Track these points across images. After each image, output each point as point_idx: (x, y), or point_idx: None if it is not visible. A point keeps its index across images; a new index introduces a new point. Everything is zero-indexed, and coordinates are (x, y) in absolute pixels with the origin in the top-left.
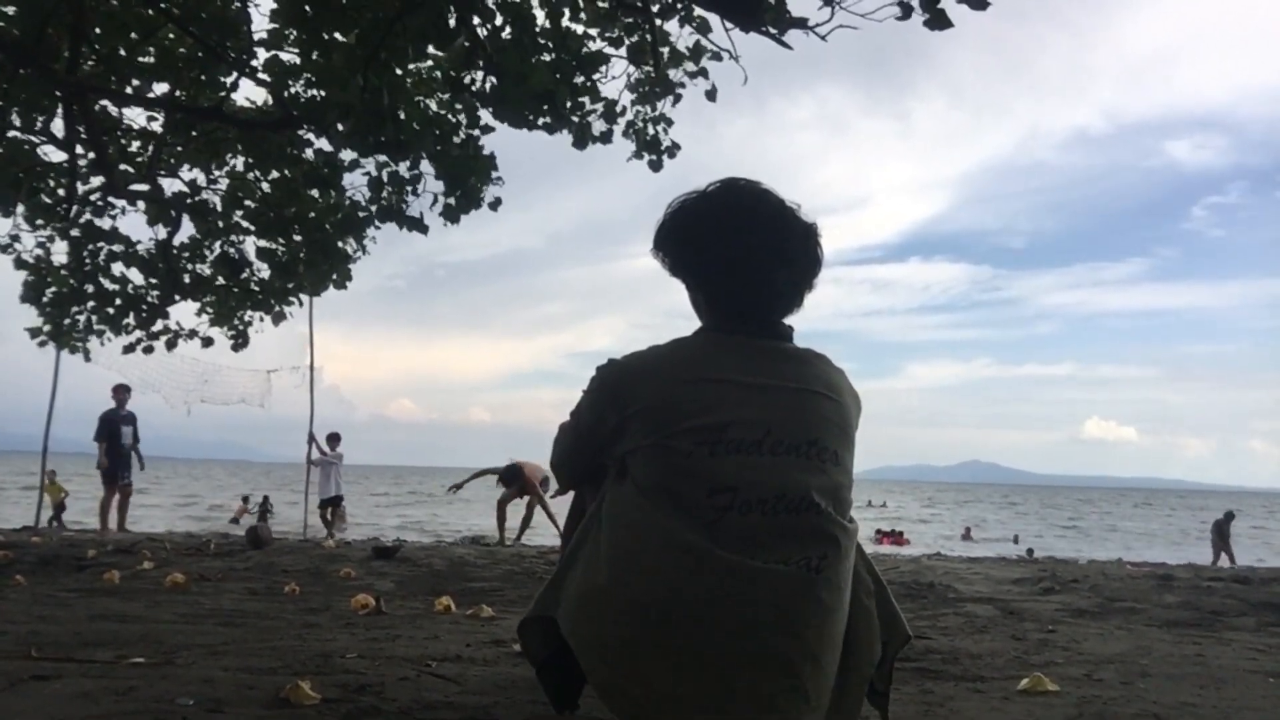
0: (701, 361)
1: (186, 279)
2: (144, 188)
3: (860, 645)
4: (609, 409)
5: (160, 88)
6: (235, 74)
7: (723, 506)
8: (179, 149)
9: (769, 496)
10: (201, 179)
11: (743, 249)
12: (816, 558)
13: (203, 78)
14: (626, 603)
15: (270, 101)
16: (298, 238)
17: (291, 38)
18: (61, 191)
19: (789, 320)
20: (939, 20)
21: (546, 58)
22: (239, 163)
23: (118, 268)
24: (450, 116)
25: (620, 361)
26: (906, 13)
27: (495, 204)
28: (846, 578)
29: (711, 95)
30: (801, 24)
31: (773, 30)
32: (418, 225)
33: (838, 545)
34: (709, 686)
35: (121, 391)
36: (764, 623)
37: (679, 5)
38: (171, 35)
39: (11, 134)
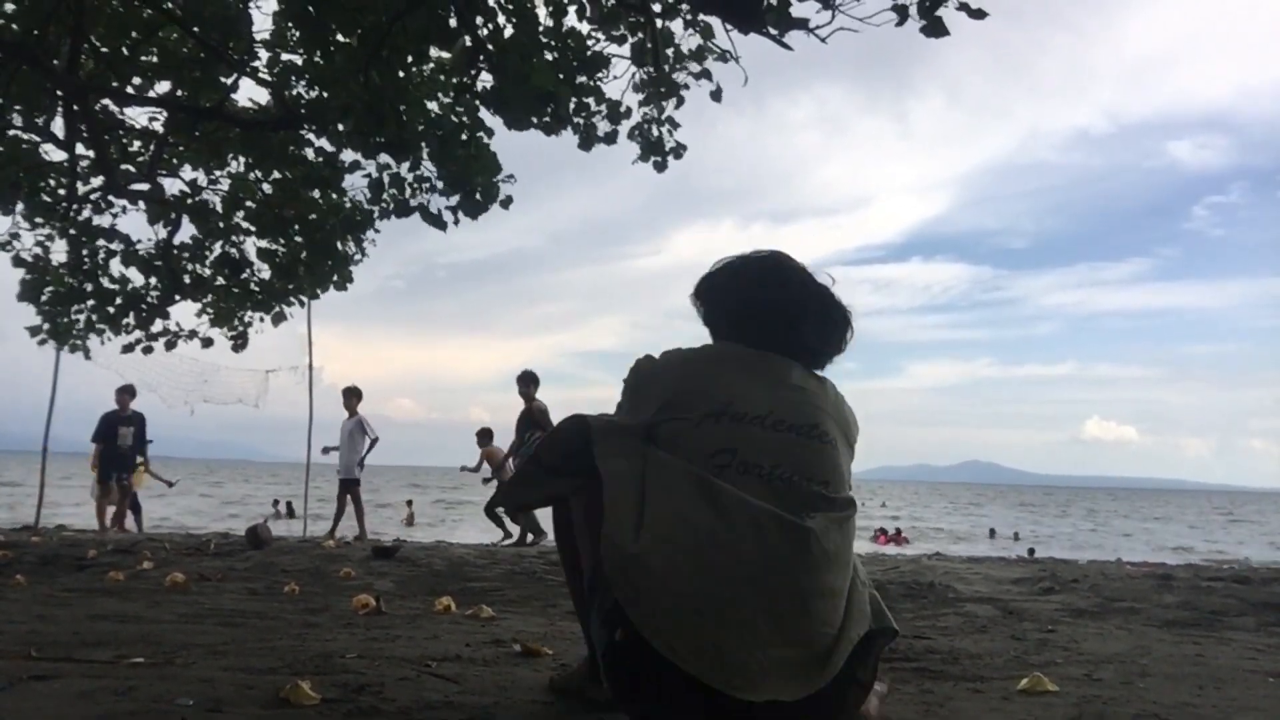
0: (720, 358)
1: (186, 279)
2: (144, 187)
3: (855, 613)
4: (643, 399)
5: (161, 87)
6: (236, 74)
7: (721, 464)
8: (180, 149)
9: (766, 464)
10: (202, 179)
11: (768, 300)
12: (811, 519)
13: (203, 77)
14: (649, 529)
15: (271, 101)
16: (298, 238)
17: (294, 38)
18: (62, 191)
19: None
20: (935, 28)
21: (549, 57)
22: (240, 163)
23: (117, 267)
24: (452, 117)
25: (653, 357)
26: (902, 18)
27: (506, 202)
28: (842, 545)
29: (716, 96)
30: (802, 25)
31: (773, 31)
32: (436, 221)
33: (833, 512)
34: (708, 605)
35: (124, 393)
36: (762, 558)
37: (681, 6)
38: (173, 35)
39: (12, 133)
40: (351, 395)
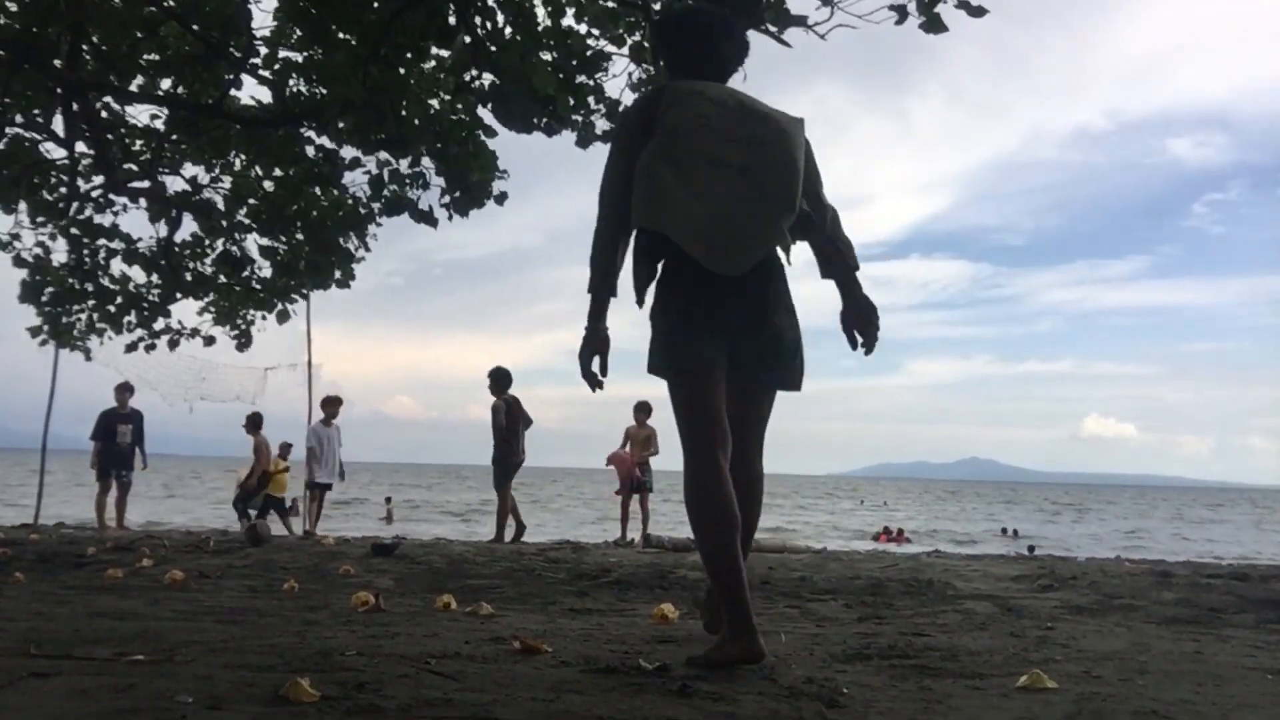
0: (694, 84)
1: (188, 277)
2: (145, 185)
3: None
4: (641, 124)
5: (162, 85)
6: (237, 71)
7: (708, 112)
8: (181, 147)
9: (733, 121)
10: (203, 177)
11: (702, 40)
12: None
13: (204, 75)
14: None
15: (272, 99)
16: (300, 236)
17: (294, 36)
18: (63, 189)
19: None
20: (934, 24)
21: (547, 56)
22: (241, 160)
23: (118, 266)
24: (451, 115)
25: (642, 97)
26: (902, 17)
27: (501, 198)
28: (800, 167)
29: None
30: (801, 22)
31: (772, 29)
32: (427, 219)
33: (789, 143)
34: (731, 216)
35: (123, 391)
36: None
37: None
38: (174, 33)
39: (13, 131)
40: (335, 403)
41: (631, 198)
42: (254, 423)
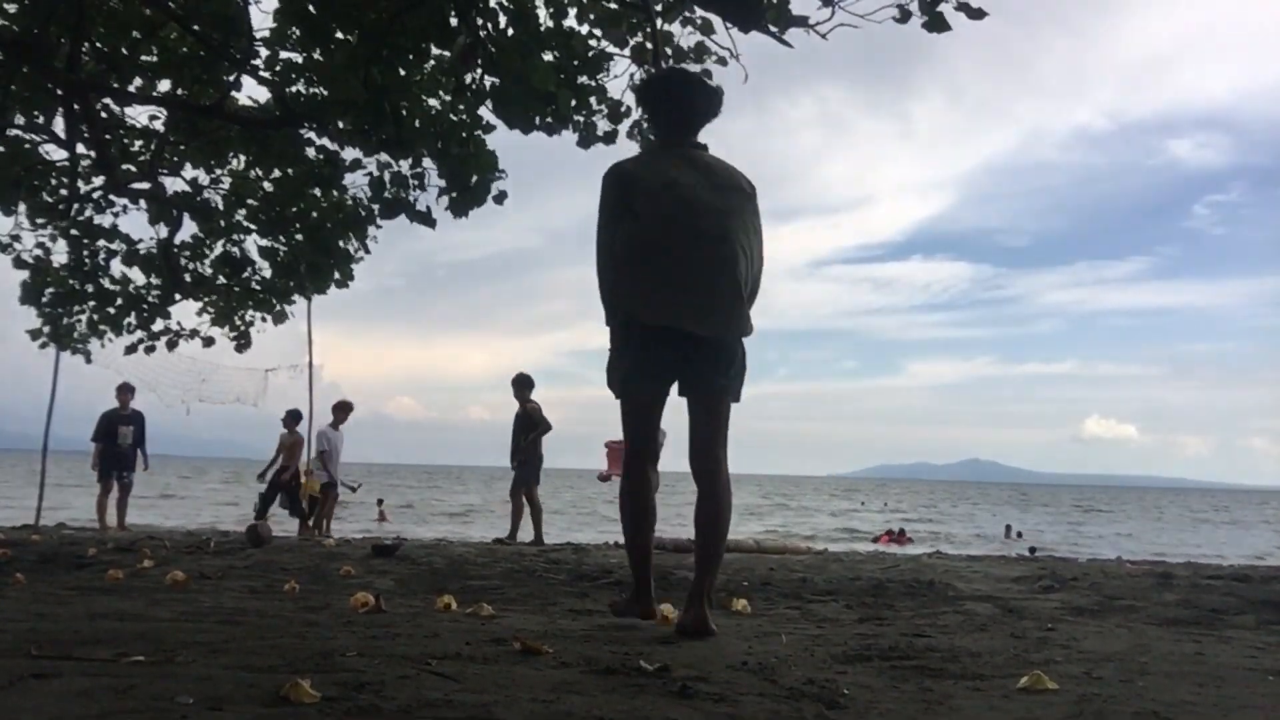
0: (661, 157)
1: (187, 278)
2: (145, 186)
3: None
4: (617, 196)
5: (162, 86)
6: (237, 72)
7: (670, 183)
8: (181, 148)
9: (690, 197)
10: (203, 178)
11: (677, 97)
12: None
13: (204, 76)
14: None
15: (272, 100)
16: (299, 237)
17: (294, 36)
18: (63, 190)
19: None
20: (937, 23)
21: (549, 57)
22: (240, 161)
23: (118, 267)
24: (452, 115)
25: (615, 166)
26: (905, 16)
27: (500, 198)
28: (748, 249)
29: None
30: (802, 22)
31: (773, 29)
32: (425, 220)
33: (742, 247)
34: (680, 284)
35: (124, 392)
36: (705, 234)
37: (680, 4)
38: (173, 34)
39: (13, 132)
40: (344, 410)
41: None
42: (293, 418)
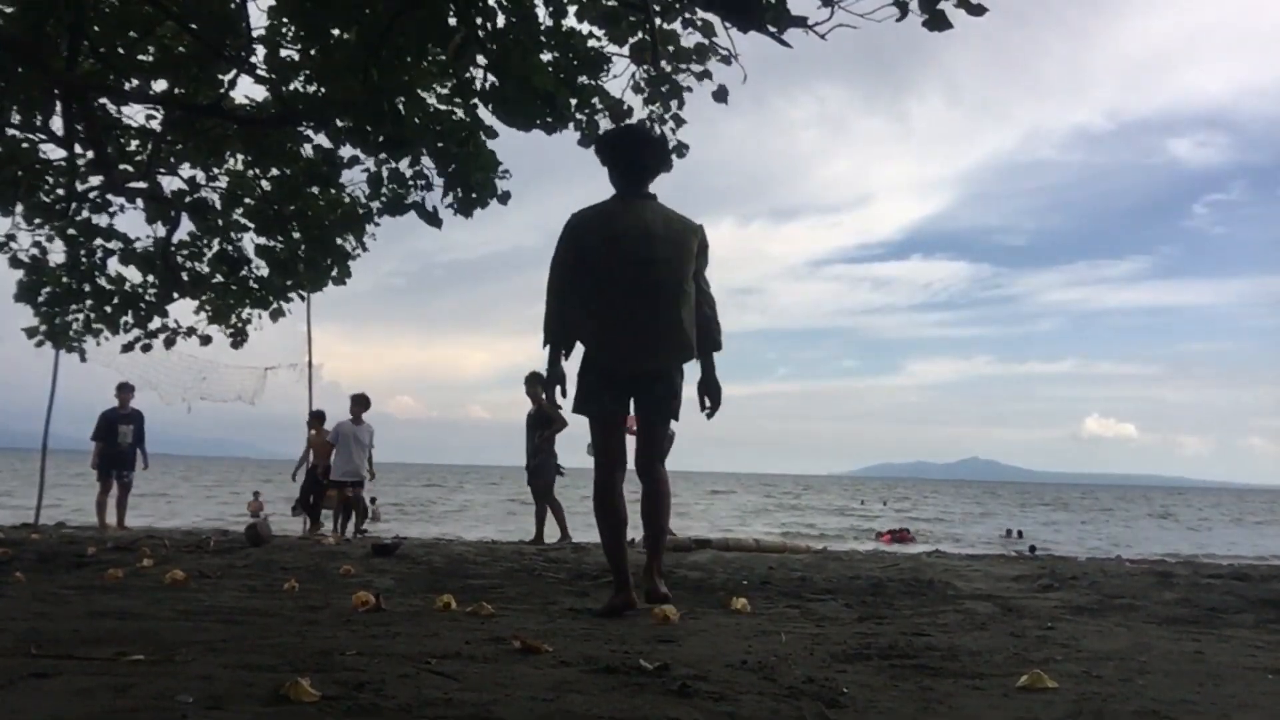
0: (610, 211)
1: (185, 277)
2: (143, 185)
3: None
4: (570, 246)
5: (159, 85)
6: (234, 70)
7: (614, 237)
8: (178, 146)
9: (631, 251)
10: (201, 176)
11: (628, 155)
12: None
13: (202, 75)
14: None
15: (270, 98)
16: (297, 235)
17: (290, 34)
18: (60, 190)
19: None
20: (937, 21)
21: (548, 56)
22: (238, 160)
23: (115, 266)
24: (451, 114)
25: (573, 217)
26: (904, 13)
27: (504, 197)
28: (689, 289)
29: (721, 95)
30: (801, 23)
31: (772, 29)
32: (432, 219)
33: (682, 288)
34: (625, 329)
35: (124, 391)
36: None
37: (678, 4)
38: (171, 33)
39: (10, 132)
40: (361, 403)
41: (565, 298)
42: (318, 418)
